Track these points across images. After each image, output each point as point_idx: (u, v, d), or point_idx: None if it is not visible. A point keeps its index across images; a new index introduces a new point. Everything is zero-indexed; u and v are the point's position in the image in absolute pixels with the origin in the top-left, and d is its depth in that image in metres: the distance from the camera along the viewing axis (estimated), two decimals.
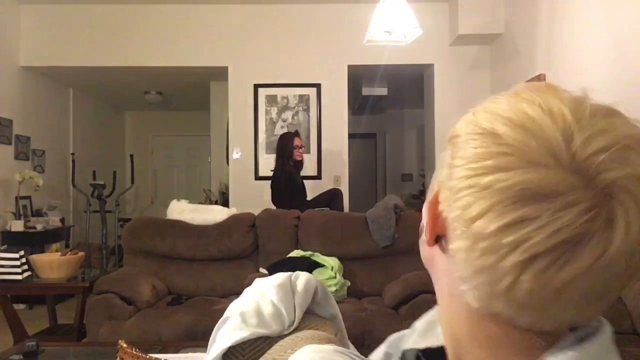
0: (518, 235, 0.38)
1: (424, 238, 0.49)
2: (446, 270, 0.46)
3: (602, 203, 0.37)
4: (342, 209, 4.33)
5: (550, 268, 0.38)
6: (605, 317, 0.45)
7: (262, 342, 1.18)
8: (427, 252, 0.49)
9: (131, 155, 6.85)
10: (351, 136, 5.45)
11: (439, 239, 0.47)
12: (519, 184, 0.38)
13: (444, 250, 0.46)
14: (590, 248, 0.37)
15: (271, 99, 5.25)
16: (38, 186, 5.03)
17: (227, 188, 5.53)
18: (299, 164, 4.38)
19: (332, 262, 3.17)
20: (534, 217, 0.38)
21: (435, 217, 0.46)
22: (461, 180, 0.42)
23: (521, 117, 0.41)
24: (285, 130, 5.00)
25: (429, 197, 0.48)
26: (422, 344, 0.56)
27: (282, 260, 3.20)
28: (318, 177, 5.20)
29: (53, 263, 3.18)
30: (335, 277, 3.08)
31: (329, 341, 0.97)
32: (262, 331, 0.92)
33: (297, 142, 4.27)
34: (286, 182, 4.14)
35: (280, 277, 0.99)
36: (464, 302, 0.44)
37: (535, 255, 0.38)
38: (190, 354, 2.07)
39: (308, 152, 5.17)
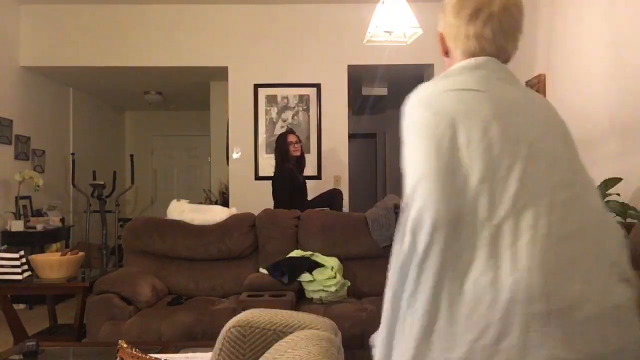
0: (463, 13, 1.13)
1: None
2: (449, 60, 1.21)
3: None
4: (342, 209, 4.33)
5: (479, 19, 1.13)
6: None
7: (262, 342, 1.18)
8: (446, 62, 1.22)
9: (131, 155, 6.86)
10: (351, 136, 5.46)
11: (446, 54, 1.21)
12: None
13: (448, 54, 1.20)
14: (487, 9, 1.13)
15: (271, 99, 5.26)
16: (38, 186, 5.03)
17: (227, 188, 5.54)
18: (300, 162, 4.37)
19: (332, 262, 3.17)
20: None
21: (442, 41, 1.19)
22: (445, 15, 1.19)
23: None
24: (284, 130, 5.00)
25: (440, 40, 1.23)
26: None
27: (282, 260, 3.20)
28: (318, 177, 5.20)
29: (53, 263, 3.18)
30: (335, 277, 3.08)
31: (329, 341, 0.97)
32: None
33: (291, 138, 4.27)
34: (286, 180, 4.14)
35: None
36: (462, 51, 1.16)
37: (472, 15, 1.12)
38: (190, 354, 2.07)
39: (308, 152, 5.17)
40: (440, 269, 0.98)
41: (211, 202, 6.07)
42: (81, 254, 3.38)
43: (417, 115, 1.13)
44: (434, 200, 0.99)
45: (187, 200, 3.77)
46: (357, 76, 5.65)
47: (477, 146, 1.01)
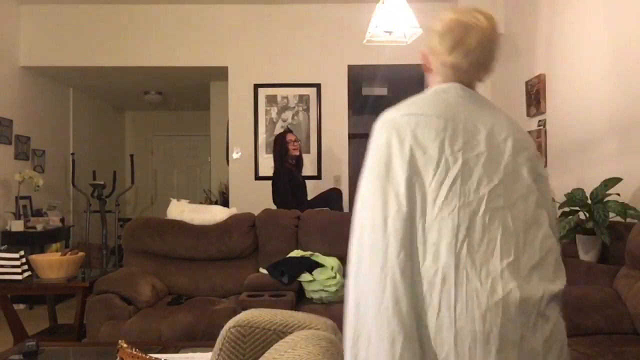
0: (446, 44, 1.27)
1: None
2: (433, 77, 1.30)
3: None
4: (341, 208, 4.33)
5: (458, 51, 1.25)
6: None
7: (262, 342, 1.18)
8: (429, 78, 1.32)
9: (131, 155, 6.86)
10: (351, 136, 5.45)
11: (427, 70, 1.31)
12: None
13: (429, 71, 1.31)
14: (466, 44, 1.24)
15: (271, 99, 5.26)
16: (38, 186, 5.03)
17: (227, 188, 5.54)
18: (299, 162, 4.38)
19: (332, 262, 3.17)
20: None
21: (426, 59, 1.31)
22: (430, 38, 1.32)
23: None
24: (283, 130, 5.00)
25: (423, 57, 1.34)
26: None
27: (282, 260, 3.20)
28: (318, 177, 5.20)
29: (53, 263, 3.18)
30: (335, 277, 3.08)
31: (329, 341, 0.97)
32: None
33: (289, 137, 4.28)
34: (286, 180, 4.14)
35: None
36: (440, 75, 1.28)
37: (453, 47, 1.26)
38: (190, 354, 2.07)
39: (308, 152, 5.17)
40: None
41: (211, 202, 6.07)
42: (81, 254, 3.38)
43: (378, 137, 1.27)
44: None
45: (187, 200, 3.77)
46: (357, 76, 5.65)
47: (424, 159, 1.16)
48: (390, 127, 1.22)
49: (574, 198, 2.79)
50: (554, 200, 1.39)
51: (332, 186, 4.90)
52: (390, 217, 1.09)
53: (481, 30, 1.27)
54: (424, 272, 1.08)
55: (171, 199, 3.76)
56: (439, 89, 1.27)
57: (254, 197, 4.87)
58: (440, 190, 1.11)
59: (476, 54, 1.25)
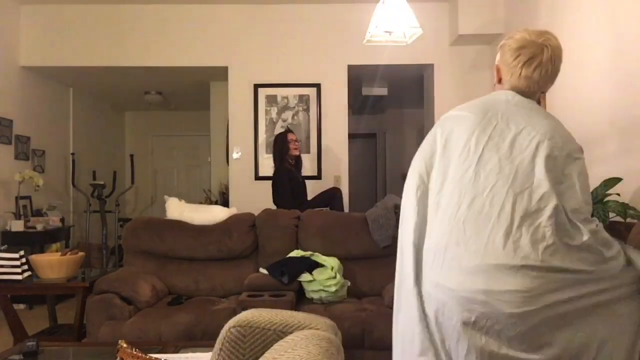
0: (520, 59, 1.54)
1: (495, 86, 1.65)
2: (499, 86, 1.60)
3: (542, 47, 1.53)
4: (342, 208, 4.33)
5: (532, 65, 1.53)
6: None
7: (262, 342, 1.18)
8: (497, 87, 1.62)
9: (131, 155, 6.86)
10: (351, 136, 5.45)
11: (498, 80, 1.63)
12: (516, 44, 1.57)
13: (499, 81, 1.62)
14: (538, 59, 1.53)
15: (271, 99, 5.26)
16: (38, 186, 5.03)
17: (227, 188, 5.54)
18: (298, 162, 4.39)
19: (332, 262, 3.17)
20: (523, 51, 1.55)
21: (498, 71, 1.61)
22: (504, 54, 1.60)
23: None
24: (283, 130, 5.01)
25: (496, 70, 1.66)
26: None
27: (282, 260, 3.20)
28: (318, 177, 5.20)
29: (53, 263, 3.18)
30: (335, 277, 3.08)
31: (329, 341, 0.97)
32: None
33: (290, 137, 4.28)
34: (287, 180, 4.14)
35: None
36: (510, 85, 1.58)
37: (526, 62, 1.53)
38: (190, 354, 2.07)
39: (308, 152, 5.18)
40: None
41: (211, 202, 6.07)
42: (81, 254, 3.38)
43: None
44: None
45: (184, 200, 3.76)
46: (357, 76, 5.65)
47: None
48: (441, 122, 1.58)
49: None
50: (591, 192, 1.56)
51: (332, 186, 4.90)
52: (414, 187, 1.53)
53: (550, 49, 1.53)
54: (432, 227, 1.48)
55: (166, 197, 3.74)
56: (494, 93, 1.58)
57: (254, 197, 4.87)
58: (457, 171, 1.45)
59: (547, 67, 1.53)
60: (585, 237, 1.36)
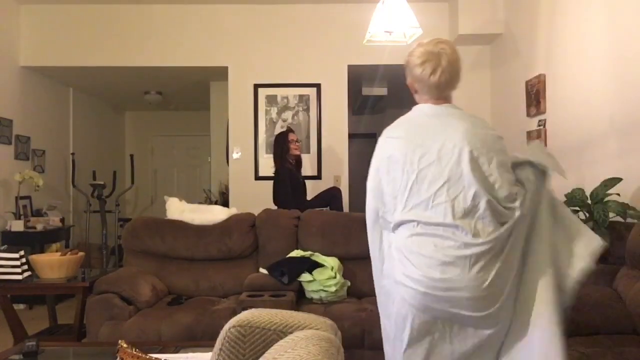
0: (426, 71, 1.75)
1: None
2: (419, 96, 1.84)
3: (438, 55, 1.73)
4: (341, 208, 4.33)
5: (437, 73, 1.73)
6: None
7: (262, 342, 1.18)
8: (416, 98, 1.86)
9: (131, 155, 6.86)
10: (351, 136, 5.45)
11: (414, 92, 1.84)
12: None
13: (416, 92, 1.84)
14: (441, 66, 1.74)
15: (271, 99, 5.26)
16: (38, 186, 5.03)
17: (227, 188, 5.54)
18: (299, 162, 4.38)
19: (332, 262, 3.16)
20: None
21: (412, 86, 1.84)
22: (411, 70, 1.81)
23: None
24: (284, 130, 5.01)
25: (410, 85, 1.87)
26: None
27: (282, 260, 3.20)
28: (318, 177, 5.20)
29: (53, 263, 3.18)
30: (335, 277, 3.08)
31: (329, 341, 0.97)
32: None
33: (292, 137, 4.28)
34: (287, 180, 4.14)
35: None
36: (424, 93, 1.80)
37: (432, 72, 1.75)
38: (190, 354, 2.07)
39: (308, 152, 5.18)
40: None
41: (211, 202, 6.07)
42: (81, 254, 3.38)
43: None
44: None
45: (184, 201, 3.76)
46: (357, 76, 5.64)
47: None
48: (379, 143, 1.84)
49: (574, 198, 2.79)
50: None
51: (332, 186, 4.90)
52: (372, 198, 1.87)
53: (447, 55, 1.73)
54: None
55: (166, 197, 3.74)
56: (415, 108, 1.83)
57: (254, 197, 4.87)
58: (405, 190, 1.68)
59: (449, 71, 1.75)
60: (518, 213, 1.62)
